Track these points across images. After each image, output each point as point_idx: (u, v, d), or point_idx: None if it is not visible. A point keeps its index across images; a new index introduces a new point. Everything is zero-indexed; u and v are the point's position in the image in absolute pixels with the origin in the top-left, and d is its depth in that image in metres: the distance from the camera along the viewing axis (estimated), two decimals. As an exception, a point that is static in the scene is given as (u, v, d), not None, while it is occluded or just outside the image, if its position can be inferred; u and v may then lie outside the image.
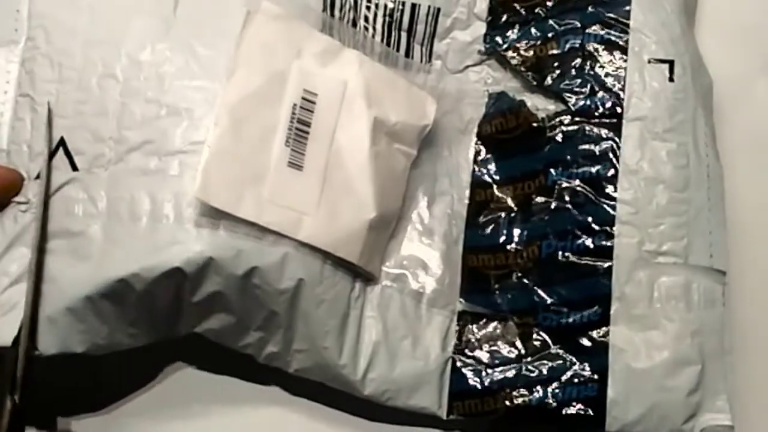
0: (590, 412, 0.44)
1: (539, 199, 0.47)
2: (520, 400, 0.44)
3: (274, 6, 0.44)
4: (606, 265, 0.45)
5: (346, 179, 0.44)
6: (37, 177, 0.42)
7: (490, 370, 0.45)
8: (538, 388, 0.44)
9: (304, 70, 0.44)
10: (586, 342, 0.45)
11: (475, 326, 0.46)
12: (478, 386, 0.45)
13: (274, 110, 0.43)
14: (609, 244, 0.45)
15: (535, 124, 0.48)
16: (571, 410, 0.44)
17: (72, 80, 0.44)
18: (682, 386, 0.43)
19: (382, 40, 0.47)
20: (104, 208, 0.42)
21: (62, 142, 0.43)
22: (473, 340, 0.46)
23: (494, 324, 0.46)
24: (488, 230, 0.47)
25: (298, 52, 0.44)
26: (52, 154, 0.43)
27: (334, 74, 0.44)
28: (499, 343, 0.46)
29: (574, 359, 0.45)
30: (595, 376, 0.44)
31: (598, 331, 0.45)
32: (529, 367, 0.45)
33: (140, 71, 0.43)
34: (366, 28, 0.47)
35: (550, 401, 0.44)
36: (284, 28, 0.44)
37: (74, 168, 0.43)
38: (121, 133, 0.43)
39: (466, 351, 0.45)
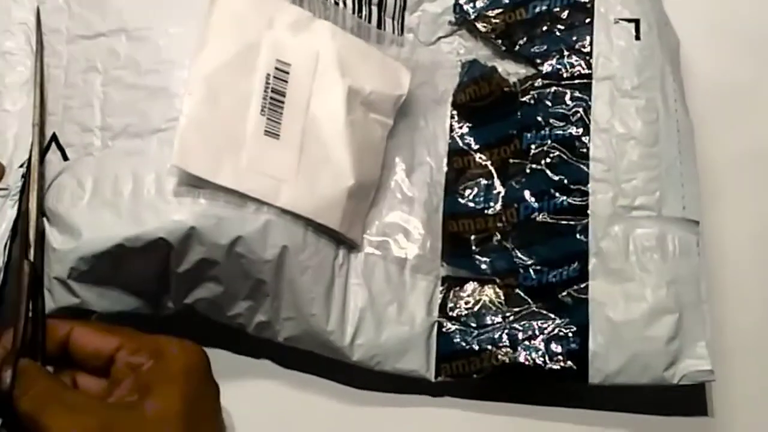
0: (573, 365, 0.45)
1: (515, 163, 0.48)
2: (505, 358, 0.45)
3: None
4: (582, 222, 0.46)
5: (323, 148, 0.45)
6: (21, 166, 0.44)
7: (475, 332, 0.46)
8: (523, 345, 0.45)
9: (277, 40, 0.45)
10: (566, 298, 0.46)
11: (458, 290, 0.47)
12: (465, 347, 0.46)
13: (247, 80, 0.44)
14: (584, 201, 0.47)
15: (507, 90, 0.49)
16: (555, 365, 0.45)
17: (59, 79, 0.45)
18: (661, 335, 0.44)
19: (353, 13, 0.48)
20: (90, 189, 0.43)
21: (54, 138, 0.44)
22: (457, 303, 0.47)
23: (477, 287, 0.47)
24: (467, 196, 0.48)
25: (269, 22, 0.45)
26: (45, 150, 0.44)
27: (307, 44, 0.45)
28: (482, 304, 0.47)
29: (555, 316, 0.46)
30: (577, 331, 0.45)
31: (578, 286, 0.46)
32: (513, 326, 0.46)
33: (118, 59, 0.45)
34: (336, 3, 0.48)
35: (535, 357, 0.45)
36: (255, 0, 0.45)
37: (65, 158, 0.44)
38: (105, 120, 0.44)
39: (451, 314, 0.46)
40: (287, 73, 0.44)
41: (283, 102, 0.44)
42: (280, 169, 0.44)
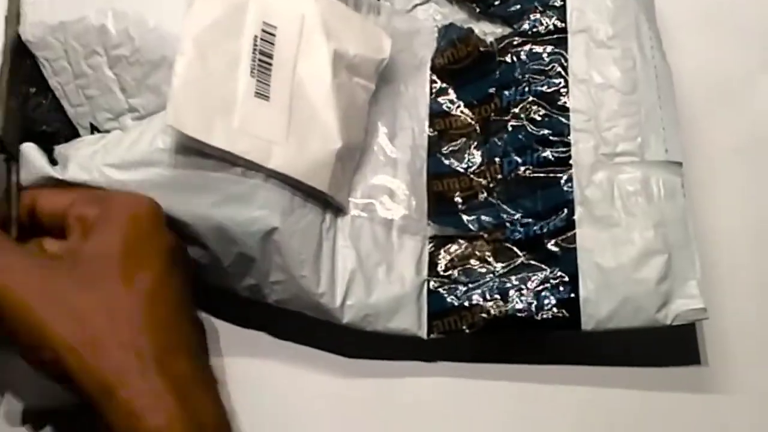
0: (565, 313, 0.44)
1: (496, 120, 0.48)
2: (497, 310, 0.45)
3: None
4: (566, 172, 0.47)
5: (311, 110, 0.45)
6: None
7: (465, 287, 0.46)
8: (513, 297, 0.45)
9: (263, 3, 0.45)
10: (554, 248, 0.46)
11: (446, 248, 0.47)
12: (455, 303, 0.46)
13: (236, 41, 0.44)
14: (566, 153, 0.47)
15: (484, 50, 0.49)
16: (547, 314, 0.44)
17: (66, 70, 0.45)
18: (651, 276, 0.44)
19: (329, -19, 0.49)
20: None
21: (93, 127, 0.46)
22: (446, 261, 0.47)
23: (465, 243, 0.47)
24: (450, 156, 0.49)
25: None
26: None
27: (292, 7, 0.45)
28: (471, 261, 0.47)
29: (544, 266, 0.45)
30: (567, 279, 0.45)
31: (565, 236, 0.46)
32: (503, 279, 0.46)
33: (112, 38, 0.45)
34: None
35: (526, 308, 0.45)
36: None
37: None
38: (129, 102, 0.45)
39: (440, 272, 0.46)
40: (273, 35, 0.45)
41: (271, 64, 0.44)
42: (271, 131, 0.44)
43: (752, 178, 0.51)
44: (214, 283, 0.45)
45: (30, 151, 0.43)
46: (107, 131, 0.45)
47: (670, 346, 0.47)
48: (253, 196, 0.43)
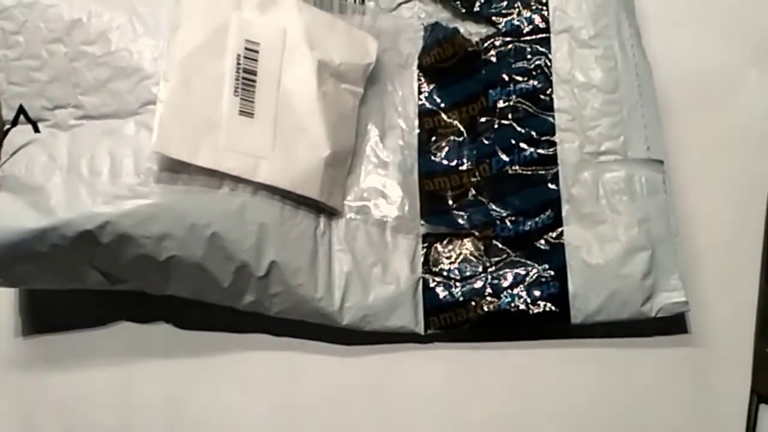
0: (555, 308, 0.47)
1: (483, 120, 0.50)
2: (490, 306, 0.47)
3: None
4: (552, 171, 0.48)
5: (297, 121, 0.46)
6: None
7: (458, 284, 0.48)
8: (505, 293, 0.47)
9: (244, 20, 0.46)
10: (543, 245, 0.48)
11: (439, 246, 0.49)
12: (450, 300, 0.48)
13: (219, 62, 0.45)
14: (552, 151, 0.48)
15: (470, 49, 0.50)
16: (538, 309, 0.47)
17: (19, 45, 0.45)
18: (636, 271, 0.46)
19: (314, -15, 0.49)
20: (65, 164, 0.44)
21: (22, 110, 0.45)
22: (440, 258, 0.48)
23: (457, 241, 0.49)
24: (440, 155, 0.50)
25: (238, 4, 0.46)
26: (13, 121, 0.45)
27: (274, 22, 0.46)
28: (463, 258, 0.48)
29: (534, 263, 0.48)
30: (556, 275, 0.47)
31: (553, 233, 0.48)
32: (494, 275, 0.48)
33: (87, 34, 0.45)
34: (298, -24, 0.49)
35: (518, 303, 0.47)
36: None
37: (36, 130, 0.45)
38: (78, 98, 0.45)
39: (434, 269, 0.48)
40: (257, 52, 0.45)
41: (254, 80, 0.45)
42: (257, 146, 0.45)
43: (737, 173, 0.52)
44: (214, 302, 0.47)
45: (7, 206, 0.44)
46: (33, 121, 0.45)
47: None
48: (244, 212, 0.44)
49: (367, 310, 0.47)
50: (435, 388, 0.49)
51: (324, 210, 0.47)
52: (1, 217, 0.43)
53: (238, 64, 0.45)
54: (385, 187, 0.49)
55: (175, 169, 0.43)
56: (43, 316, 0.50)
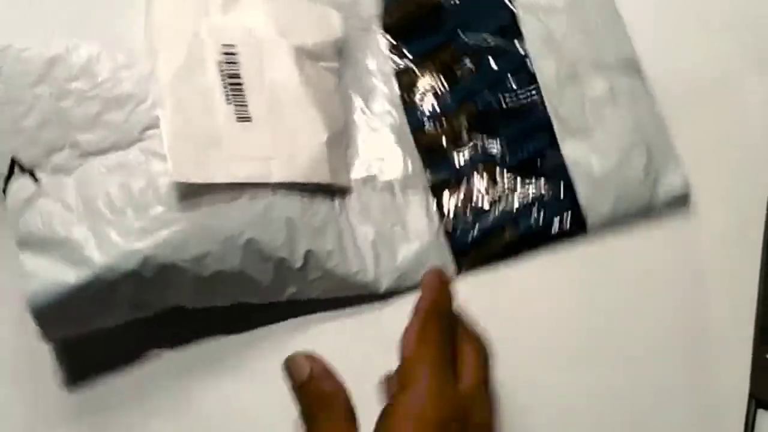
0: (571, 222, 0.50)
1: (457, 64, 0.51)
2: (511, 234, 0.50)
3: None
4: (535, 97, 0.51)
5: (290, 112, 0.47)
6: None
7: (476, 222, 0.50)
8: (522, 219, 0.50)
9: (214, 25, 0.46)
10: (545, 166, 0.50)
11: (448, 191, 0.51)
12: (473, 237, 0.50)
13: (203, 75, 0.45)
14: (531, 79, 0.51)
15: (429, 1, 0.52)
16: (555, 227, 0.50)
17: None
18: (637, 168, 0.50)
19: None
20: (81, 209, 0.44)
21: (14, 162, 0.44)
22: (452, 203, 0.51)
23: (464, 182, 0.51)
24: (425, 107, 0.52)
25: (206, 10, 0.46)
26: (8, 175, 0.44)
27: (242, 19, 0.47)
28: (474, 196, 0.51)
29: (541, 184, 0.50)
30: (564, 191, 0.50)
31: (551, 153, 0.50)
32: (507, 205, 0.50)
33: (68, 70, 0.45)
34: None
35: (536, 225, 0.50)
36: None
37: (35, 180, 0.44)
38: (73, 138, 0.44)
39: (451, 214, 0.51)
40: (235, 54, 0.46)
41: (241, 83, 0.46)
42: (263, 147, 0.46)
43: (737, 177, 0.52)
44: (256, 302, 0.47)
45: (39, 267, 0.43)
46: (30, 170, 0.44)
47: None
48: (269, 212, 0.45)
49: (400, 271, 0.49)
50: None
51: (335, 190, 0.49)
52: (38, 281, 0.43)
53: (221, 71, 0.45)
54: (383, 151, 0.51)
55: (195, 189, 0.44)
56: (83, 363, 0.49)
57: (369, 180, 0.50)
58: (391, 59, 0.52)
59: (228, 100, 0.45)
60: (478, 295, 0.47)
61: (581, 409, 0.47)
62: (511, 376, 0.44)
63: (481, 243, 0.50)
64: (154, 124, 0.45)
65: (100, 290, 0.43)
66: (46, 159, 0.44)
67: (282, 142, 0.46)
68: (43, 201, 0.44)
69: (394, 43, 0.52)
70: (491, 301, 0.49)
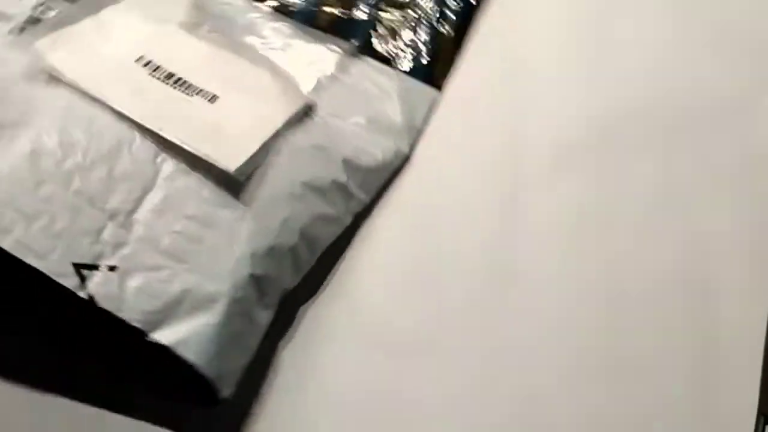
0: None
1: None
2: (448, 31, 0.55)
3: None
4: None
5: (233, 70, 0.49)
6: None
7: (416, 48, 0.55)
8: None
9: (119, 54, 0.46)
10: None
11: (377, 41, 0.55)
12: (428, 61, 0.55)
13: (152, 91, 0.45)
14: None
15: None
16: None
17: (17, 222, 0.40)
18: None
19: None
20: (169, 260, 0.41)
21: (77, 267, 0.39)
22: (390, 47, 0.54)
23: (380, 26, 0.55)
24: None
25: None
26: (82, 280, 0.39)
27: (121, 37, 0.47)
28: (397, 30, 0.55)
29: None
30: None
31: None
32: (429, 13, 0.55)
33: (55, 155, 0.42)
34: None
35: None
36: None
37: (111, 269, 0.40)
38: (107, 210, 0.41)
39: (397, 55, 0.54)
40: (150, 60, 0.46)
41: (180, 76, 0.46)
42: (246, 108, 0.46)
43: (750, 198, 0.51)
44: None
45: None
46: (94, 266, 0.40)
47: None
48: (300, 153, 0.46)
49: (408, 127, 0.52)
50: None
51: (309, 107, 0.50)
52: (190, 345, 0.39)
53: (158, 78, 0.46)
54: (310, 56, 0.53)
55: (243, 172, 0.44)
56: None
57: (320, 83, 0.51)
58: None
59: (188, 93, 0.46)
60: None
61: (582, 424, 0.45)
62: (509, 379, 0.45)
63: (435, 59, 0.54)
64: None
65: (238, 312, 0.42)
66: (98, 243, 0.41)
67: (256, 93, 0.47)
68: (133, 278, 0.40)
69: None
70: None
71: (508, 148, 0.52)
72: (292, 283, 0.46)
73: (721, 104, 0.53)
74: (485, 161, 0.52)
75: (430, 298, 0.48)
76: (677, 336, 0.47)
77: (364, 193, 0.49)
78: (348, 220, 0.49)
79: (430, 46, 0.54)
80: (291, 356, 0.45)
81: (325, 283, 0.48)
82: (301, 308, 0.47)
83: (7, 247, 0.38)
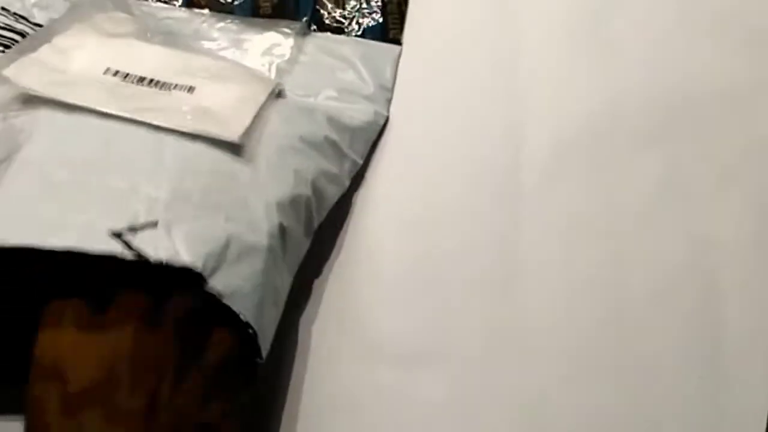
0: None
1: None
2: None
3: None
4: None
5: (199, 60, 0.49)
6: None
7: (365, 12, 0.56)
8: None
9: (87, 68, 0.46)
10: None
11: (326, 13, 0.55)
12: (382, 18, 0.56)
13: (133, 97, 0.45)
14: None
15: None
16: None
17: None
18: None
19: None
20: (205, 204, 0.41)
21: (120, 234, 0.37)
22: (339, 17, 0.55)
23: None
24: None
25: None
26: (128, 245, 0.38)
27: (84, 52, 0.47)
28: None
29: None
30: None
31: None
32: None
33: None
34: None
35: None
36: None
37: (154, 224, 0.38)
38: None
39: (349, 24, 0.55)
40: (117, 70, 0.46)
41: (153, 78, 0.46)
42: (232, 83, 0.47)
43: (756, 188, 0.50)
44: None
45: None
46: (133, 229, 0.37)
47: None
48: (291, 114, 0.47)
49: (382, 85, 0.53)
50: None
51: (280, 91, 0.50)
52: (239, 295, 0.38)
53: (132, 82, 0.45)
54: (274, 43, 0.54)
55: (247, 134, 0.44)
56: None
57: (280, 68, 0.52)
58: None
59: (164, 89, 0.45)
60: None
61: (591, 424, 0.44)
62: (513, 378, 0.45)
63: (385, 15, 0.55)
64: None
65: (273, 264, 0.41)
66: (129, 211, 0.38)
67: (229, 80, 0.47)
68: (179, 228, 0.38)
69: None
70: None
71: (508, 142, 0.52)
72: (305, 246, 0.46)
73: (723, 94, 0.52)
74: (484, 156, 0.52)
75: (428, 299, 0.47)
76: (685, 333, 0.46)
77: (354, 153, 0.50)
78: (346, 181, 0.49)
79: (376, 3, 0.55)
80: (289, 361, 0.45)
81: (321, 288, 0.48)
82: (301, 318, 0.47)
83: (35, 240, 0.36)
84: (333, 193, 0.48)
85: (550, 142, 0.51)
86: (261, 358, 0.39)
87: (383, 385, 0.45)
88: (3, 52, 0.50)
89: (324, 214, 0.48)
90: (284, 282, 0.43)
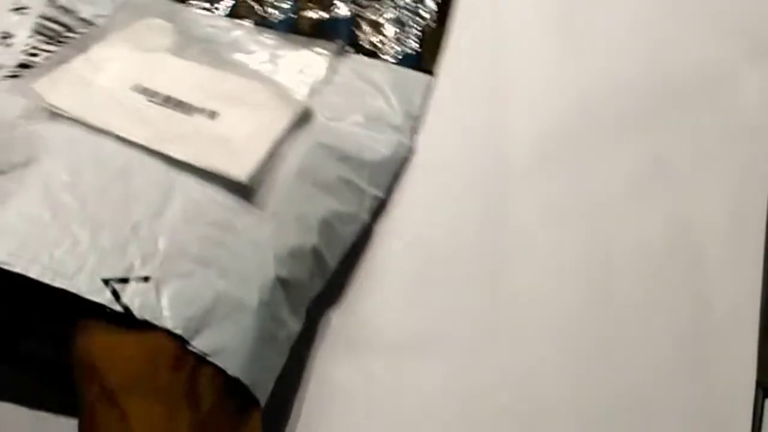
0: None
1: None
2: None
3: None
4: None
5: (224, 86, 0.49)
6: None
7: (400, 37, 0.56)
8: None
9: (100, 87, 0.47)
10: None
11: (361, 34, 0.55)
12: (419, 43, 0.55)
13: (150, 119, 0.45)
14: None
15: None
16: None
17: None
18: None
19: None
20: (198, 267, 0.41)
21: (108, 282, 0.39)
22: (375, 41, 0.55)
23: (365, 23, 0.55)
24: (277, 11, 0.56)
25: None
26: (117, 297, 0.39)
27: (110, 69, 0.48)
28: (378, 21, 0.56)
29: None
30: None
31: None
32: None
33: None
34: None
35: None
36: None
37: (145, 279, 0.39)
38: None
39: (383, 47, 0.55)
40: (145, 87, 0.47)
41: (176, 97, 0.47)
42: (248, 115, 0.47)
43: (735, 170, 0.51)
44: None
45: None
46: (125, 279, 0.39)
47: None
48: (300, 147, 0.47)
49: (409, 113, 0.53)
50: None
51: (309, 112, 0.50)
52: (227, 353, 0.39)
53: (152, 101, 0.46)
54: (303, 64, 0.54)
55: (256, 179, 0.44)
56: None
57: (313, 88, 0.52)
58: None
59: (187, 113, 0.46)
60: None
61: (582, 402, 0.46)
62: (505, 363, 0.46)
63: (422, 44, 0.54)
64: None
65: (268, 317, 0.42)
66: (126, 258, 0.39)
67: (254, 105, 0.47)
68: (168, 286, 0.39)
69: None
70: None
71: (494, 133, 0.53)
72: (317, 288, 0.46)
73: (704, 79, 0.53)
74: (474, 145, 0.52)
75: (419, 289, 0.48)
76: (671, 313, 0.47)
77: (374, 188, 0.50)
78: (365, 216, 0.49)
79: (414, 33, 0.55)
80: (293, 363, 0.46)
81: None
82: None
83: (34, 275, 0.38)
84: (349, 232, 0.48)
85: (536, 130, 0.52)
86: (259, 405, 0.40)
87: (377, 375, 0.46)
88: (48, 43, 0.51)
89: (339, 254, 0.47)
90: (289, 328, 0.43)
